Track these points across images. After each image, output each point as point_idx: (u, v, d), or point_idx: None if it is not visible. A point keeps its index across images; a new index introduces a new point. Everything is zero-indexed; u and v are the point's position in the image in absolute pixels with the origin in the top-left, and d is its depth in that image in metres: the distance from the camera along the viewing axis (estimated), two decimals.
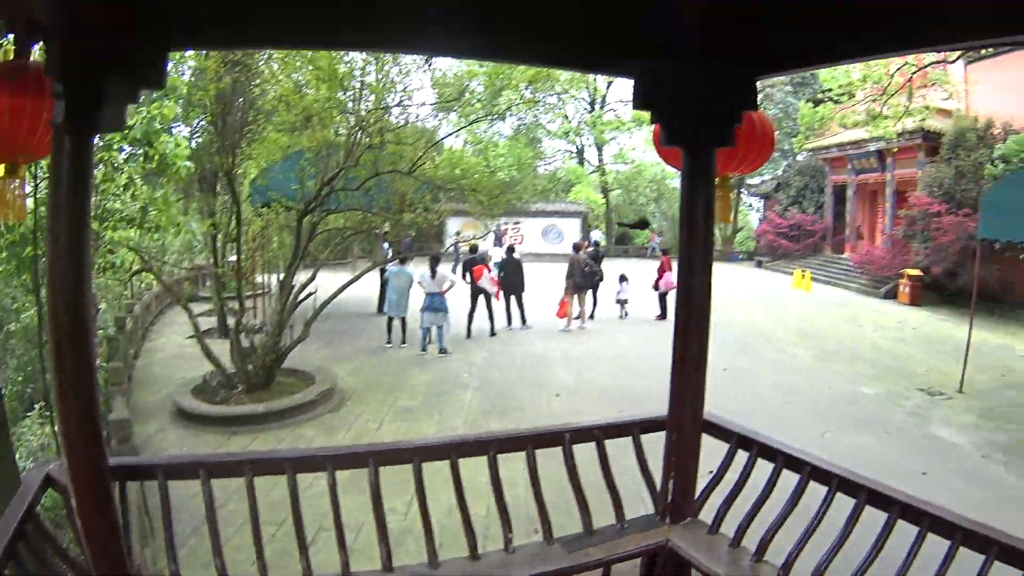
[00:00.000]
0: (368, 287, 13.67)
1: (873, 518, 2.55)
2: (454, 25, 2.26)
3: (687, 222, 2.81)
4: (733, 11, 2.46)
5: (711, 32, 2.44)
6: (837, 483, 2.69)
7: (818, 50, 2.38)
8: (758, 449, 3.05)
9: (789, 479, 2.86)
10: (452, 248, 21.25)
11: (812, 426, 8.12)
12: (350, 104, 9.94)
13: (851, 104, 16.89)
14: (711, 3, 2.45)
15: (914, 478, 6.51)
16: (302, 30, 2.23)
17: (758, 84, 2.65)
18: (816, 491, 2.73)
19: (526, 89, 10.78)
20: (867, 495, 2.59)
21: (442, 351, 11.87)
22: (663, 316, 15.11)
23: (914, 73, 12.52)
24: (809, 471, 2.79)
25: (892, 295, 19.80)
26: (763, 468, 2.99)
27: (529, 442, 3.01)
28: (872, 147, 22.06)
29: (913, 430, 8.30)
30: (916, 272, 18.82)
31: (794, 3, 2.32)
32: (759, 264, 28.51)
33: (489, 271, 13.77)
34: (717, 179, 2.78)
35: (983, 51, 18.32)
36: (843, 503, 2.62)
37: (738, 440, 3.15)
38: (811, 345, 13.10)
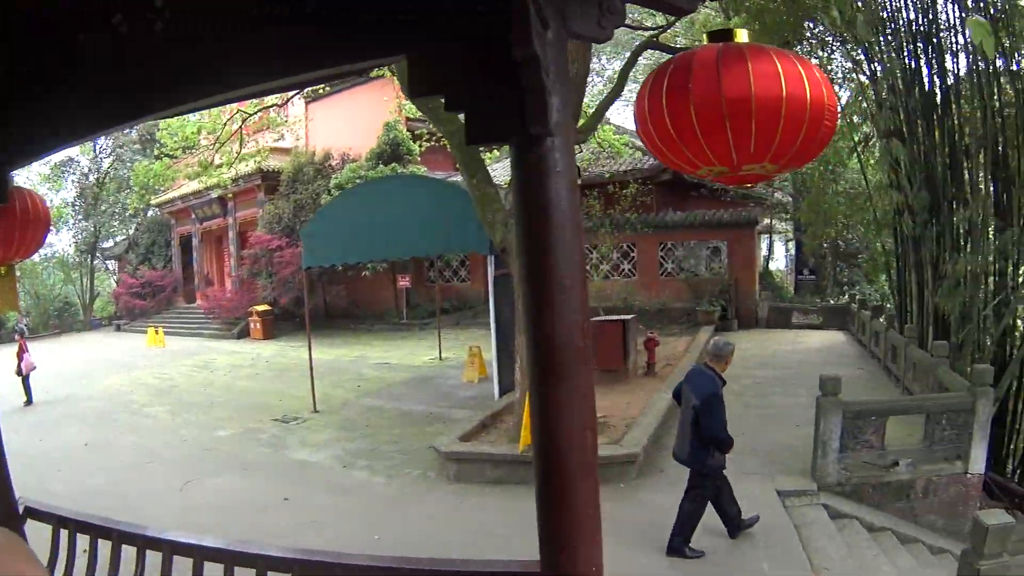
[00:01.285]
0: None
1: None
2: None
3: None
4: None
5: None
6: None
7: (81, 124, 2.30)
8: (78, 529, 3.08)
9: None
10: None
11: (173, 480, 7.68)
12: None
13: (188, 156, 16.04)
14: None
15: (279, 506, 6.69)
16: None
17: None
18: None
19: None
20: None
21: None
22: (30, 401, 12.76)
23: (245, 120, 12.99)
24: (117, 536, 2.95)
25: (245, 333, 20.58)
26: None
27: None
28: (214, 194, 22.42)
29: (272, 460, 8.49)
30: (264, 307, 19.81)
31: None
32: (118, 328, 27.05)
33: None
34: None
35: (321, 89, 20.52)
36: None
37: (59, 522, 3.09)
38: (167, 401, 12.55)
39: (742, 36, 3.05)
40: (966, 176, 10.32)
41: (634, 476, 6.90)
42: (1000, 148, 10.35)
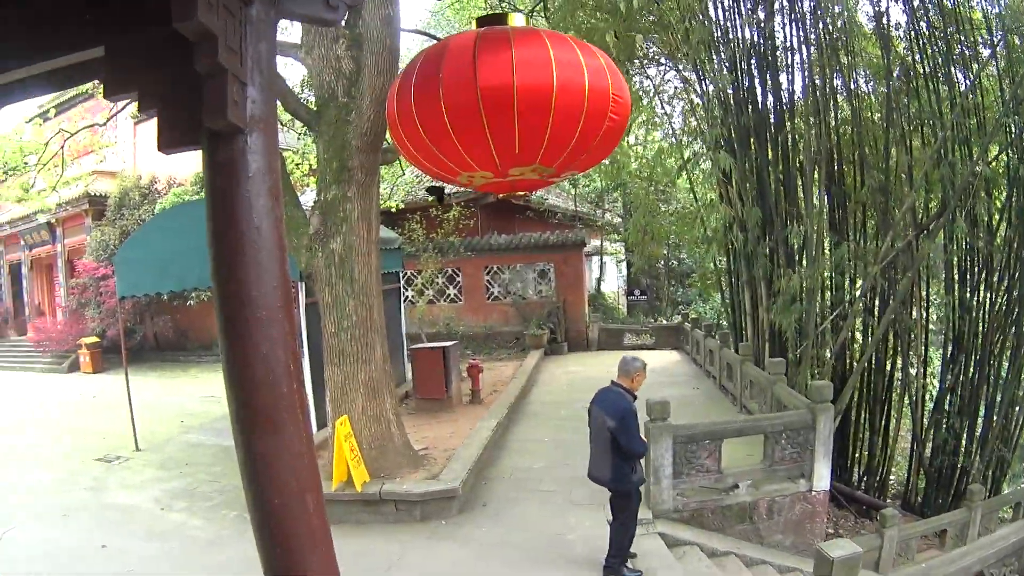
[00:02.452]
0: None
1: None
2: None
3: None
4: None
5: None
6: None
7: None
8: None
9: None
10: None
11: None
12: None
13: (12, 178, 14.97)
14: None
15: (96, 554, 6.51)
16: None
17: None
18: None
19: None
20: None
21: None
22: None
23: (68, 139, 12.48)
24: None
25: (76, 367, 19.50)
26: None
27: None
28: (42, 220, 21.18)
29: (93, 504, 8.12)
30: (93, 339, 18.96)
31: None
32: None
33: None
34: None
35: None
36: None
37: None
38: None
39: (516, 21, 2.55)
40: (800, 192, 10.31)
41: (455, 512, 6.74)
42: (835, 164, 10.76)
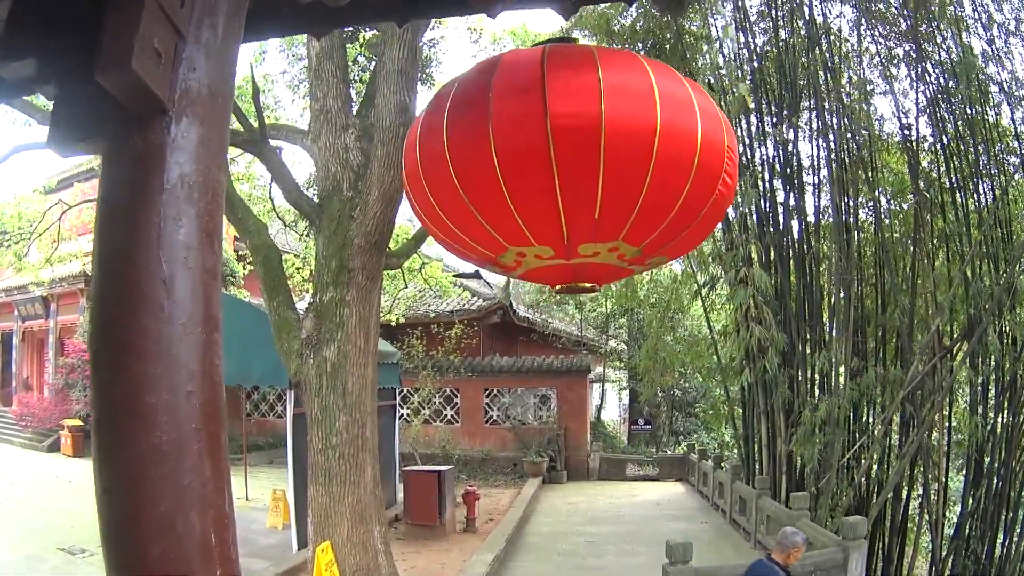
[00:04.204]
0: None
1: None
2: None
3: None
4: None
5: None
6: None
7: None
8: None
9: None
10: None
11: None
12: None
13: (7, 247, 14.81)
14: None
15: None
16: None
17: None
18: None
19: None
20: None
21: None
22: None
23: (65, 211, 12.31)
24: None
25: (56, 447, 18.85)
26: None
27: None
28: (37, 292, 20.91)
29: None
30: (76, 422, 18.45)
31: None
32: None
33: None
34: None
35: None
36: None
37: None
38: None
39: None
40: (824, 317, 9.96)
41: None
42: (858, 285, 10.41)
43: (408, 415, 17.25)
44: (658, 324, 14.30)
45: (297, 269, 14.15)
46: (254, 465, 16.09)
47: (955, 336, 10.12)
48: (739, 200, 10.42)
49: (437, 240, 2.09)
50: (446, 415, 18.17)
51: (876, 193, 10.52)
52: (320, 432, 6.34)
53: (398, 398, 13.12)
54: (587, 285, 2.12)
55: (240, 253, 17.33)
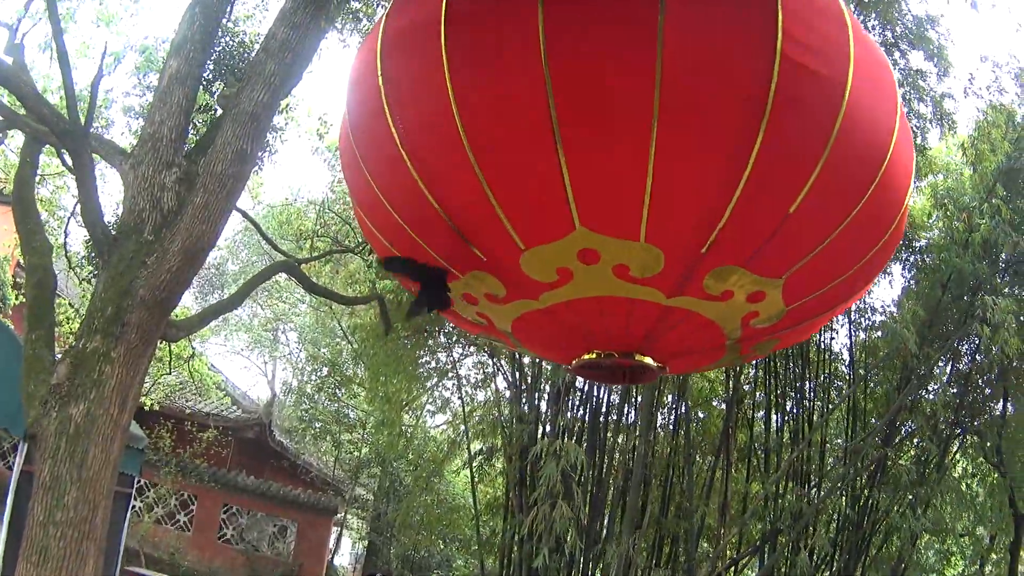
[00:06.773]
0: None
1: None
2: None
3: None
4: None
5: None
6: None
7: None
8: None
9: None
10: None
11: None
12: None
13: None
14: None
15: None
16: None
17: None
18: None
19: None
20: None
21: None
22: None
23: None
24: None
25: None
26: None
27: None
28: None
29: None
30: None
31: None
32: None
33: None
34: None
35: None
36: None
37: None
38: None
39: None
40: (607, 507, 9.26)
41: None
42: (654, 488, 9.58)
43: (140, 509, 15.40)
44: (415, 483, 13.99)
45: (67, 319, 12.38)
46: None
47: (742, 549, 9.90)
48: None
49: (397, 266, 1.26)
50: (179, 520, 16.47)
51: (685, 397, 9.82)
52: (45, 502, 5.24)
53: (134, 487, 11.51)
54: (652, 364, 1.33)
55: (18, 280, 14.86)
